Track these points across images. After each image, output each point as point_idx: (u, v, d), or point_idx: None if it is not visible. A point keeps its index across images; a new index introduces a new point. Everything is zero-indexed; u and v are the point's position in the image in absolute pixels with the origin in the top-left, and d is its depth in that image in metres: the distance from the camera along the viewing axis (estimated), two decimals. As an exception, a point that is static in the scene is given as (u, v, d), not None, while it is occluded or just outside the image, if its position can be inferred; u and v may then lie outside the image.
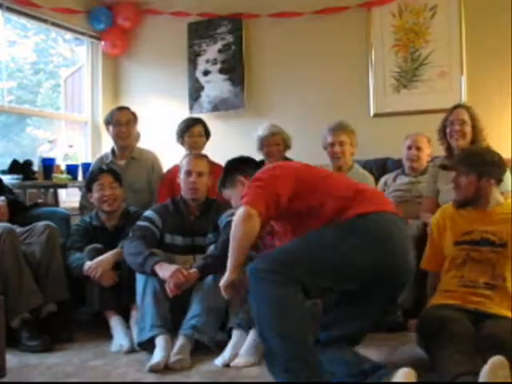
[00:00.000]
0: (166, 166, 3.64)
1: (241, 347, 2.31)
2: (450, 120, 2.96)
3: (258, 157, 3.61)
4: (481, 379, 1.73)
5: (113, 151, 3.62)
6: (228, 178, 2.35)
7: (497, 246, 2.25)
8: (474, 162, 2.34)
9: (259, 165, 2.39)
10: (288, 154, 3.57)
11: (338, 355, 1.96)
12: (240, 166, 2.37)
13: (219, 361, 2.28)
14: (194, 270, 2.49)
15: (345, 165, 3.23)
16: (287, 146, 3.53)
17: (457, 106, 3.04)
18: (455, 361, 1.86)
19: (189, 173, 2.80)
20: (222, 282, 2.06)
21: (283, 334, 1.78)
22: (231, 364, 2.24)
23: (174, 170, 3.21)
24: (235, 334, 2.38)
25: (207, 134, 3.59)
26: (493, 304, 2.19)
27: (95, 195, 3.00)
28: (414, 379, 1.77)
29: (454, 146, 2.93)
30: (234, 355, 2.28)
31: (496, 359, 1.74)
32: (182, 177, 2.83)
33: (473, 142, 2.90)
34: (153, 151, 3.71)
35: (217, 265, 2.50)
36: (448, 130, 2.96)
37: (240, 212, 1.98)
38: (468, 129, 2.91)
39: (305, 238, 1.95)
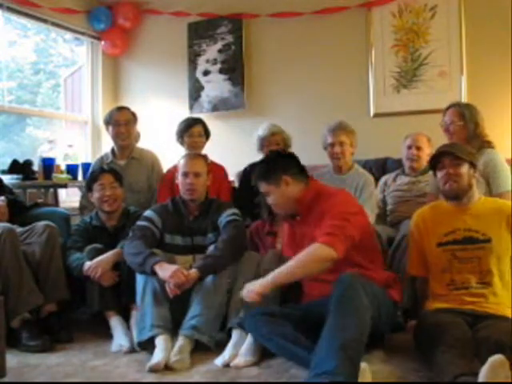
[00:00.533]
0: (166, 166, 3.63)
1: (241, 347, 2.31)
2: (444, 120, 2.98)
3: (257, 157, 3.62)
4: (480, 379, 1.73)
5: (113, 151, 3.61)
6: (273, 174, 2.38)
7: (481, 242, 2.25)
8: (469, 153, 2.36)
9: (302, 166, 2.47)
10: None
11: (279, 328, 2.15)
12: (286, 164, 2.41)
13: (219, 361, 2.28)
14: (194, 270, 2.48)
15: (345, 165, 3.23)
16: (287, 145, 3.52)
17: (449, 107, 3.04)
18: (454, 363, 1.85)
19: (186, 174, 2.79)
20: (258, 287, 2.14)
21: (362, 330, 1.94)
22: (231, 364, 2.24)
23: (174, 170, 3.21)
24: (235, 333, 2.39)
25: (207, 134, 3.58)
26: (489, 303, 2.19)
27: (96, 195, 3.00)
28: (369, 378, 1.84)
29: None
30: (234, 355, 2.28)
31: (496, 358, 1.73)
32: (179, 178, 2.83)
33: (468, 139, 2.89)
34: (153, 151, 3.70)
35: (217, 265, 2.51)
36: (443, 129, 2.98)
37: (324, 250, 2.14)
38: (457, 128, 2.91)
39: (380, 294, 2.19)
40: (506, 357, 1.76)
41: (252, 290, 2.18)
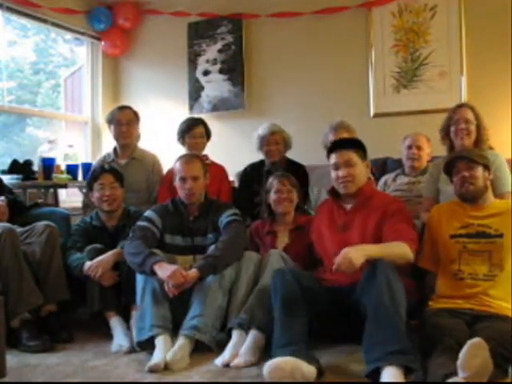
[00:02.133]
0: (166, 167, 3.63)
1: (241, 347, 2.31)
2: (455, 119, 2.91)
3: (257, 157, 3.62)
4: (459, 361, 1.75)
5: (115, 150, 3.62)
6: (364, 151, 2.53)
7: (493, 236, 2.30)
8: (481, 156, 2.43)
9: None
10: (288, 155, 3.57)
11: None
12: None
13: (219, 361, 2.27)
14: (194, 270, 2.47)
15: None
16: (287, 145, 3.51)
17: (461, 105, 3.03)
18: (445, 365, 1.86)
19: (183, 179, 2.77)
20: (355, 256, 2.12)
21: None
22: (231, 364, 2.23)
23: (173, 171, 3.20)
24: (235, 333, 2.38)
25: (208, 134, 3.58)
26: (491, 296, 2.22)
27: (95, 194, 3.00)
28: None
29: (459, 144, 2.89)
30: (234, 355, 2.28)
31: (475, 341, 1.76)
32: (177, 182, 2.82)
33: (476, 141, 2.90)
34: (154, 153, 3.68)
35: (217, 265, 2.50)
36: (453, 128, 2.91)
37: (409, 253, 2.27)
38: (473, 128, 2.89)
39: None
40: (496, 362, 1.78)
41: (349, 258, 2.12)
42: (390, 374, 1.85)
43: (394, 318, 2.00)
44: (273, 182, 2.94)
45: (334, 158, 2.51)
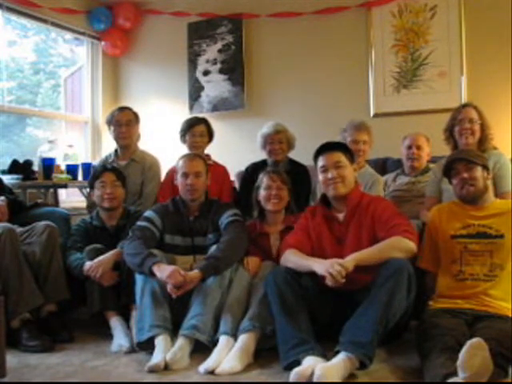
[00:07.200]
0: (166, 166, 3.63)
1: (226, 353, 2.24)
2: (459, 119, 2.92)
3: (257, 157, 3.62)
4: (459, 361, 1.75)
5: (116, 151, 3.62)
6: (351, 155, 2.51)
7: (493, 237, 2.30)
8: (480, 156, 2.44)
9: None
10: (288, 155, 3.56)
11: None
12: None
13: (202, 368, 2.18)
14: (196, 270, 2.47)
15: (358, 164, 3.21)
16: (291, 145, 3.49)
17: (465, 105, 3.04)
18: (445, 365, 1.85)
19: (186, 175, 2.78)
20: (342, 265, 2.14)
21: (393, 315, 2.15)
22: (215, 371, 2.14)
23: (174, 171, 3.20)
24: (222, 339, 2.32)
25: (210, 134, 3.57)
26: (491, 297, 2.22)
27: (97, 193, 3.00)
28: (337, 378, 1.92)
29: (463, 144, 2.90)
30: (219, 361, 2.19)
31: (475, 341, 1.76)
32: (179, 179, 2.82)
33: (481, 141, 2.91)
34: (155, 156, 3.66)
35: (219, 265, 2.50)
36: (457, 128, 2.92)
37: (408, 243, 2.26)
38: (477, 127, 2.90)
39: None
40: (496, 362, 1.78)
41: (338, 267, 2.15)
42: (339, 358, 1.98)
43: (377, 316, 2.05)
44: (263, 178, 2.86)
45: (322, 161, 2.47)
